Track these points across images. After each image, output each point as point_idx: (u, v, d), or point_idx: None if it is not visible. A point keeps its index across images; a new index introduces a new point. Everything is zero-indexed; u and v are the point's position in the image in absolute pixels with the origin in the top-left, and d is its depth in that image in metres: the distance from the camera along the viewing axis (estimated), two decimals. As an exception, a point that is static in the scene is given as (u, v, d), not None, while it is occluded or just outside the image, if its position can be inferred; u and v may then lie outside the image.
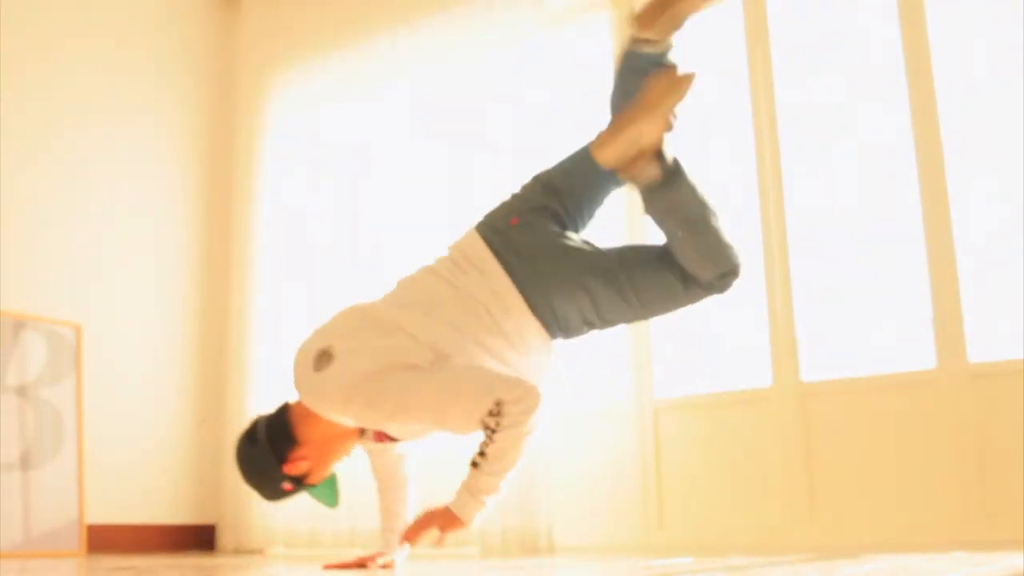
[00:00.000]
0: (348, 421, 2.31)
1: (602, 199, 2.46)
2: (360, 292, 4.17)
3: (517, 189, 2.44)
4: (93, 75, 4.69)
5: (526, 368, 2.32)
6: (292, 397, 2.38)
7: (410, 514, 2.66)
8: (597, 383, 3.98)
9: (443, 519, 2.21)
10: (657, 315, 2.41)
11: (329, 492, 2.45)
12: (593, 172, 2.38)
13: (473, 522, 2.21)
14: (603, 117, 2.40)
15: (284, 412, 2.36)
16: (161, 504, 4.64)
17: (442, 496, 2.28)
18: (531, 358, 2.33)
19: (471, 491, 2.19)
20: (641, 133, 2.17)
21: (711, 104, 3.95)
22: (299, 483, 2.36)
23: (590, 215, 2.46)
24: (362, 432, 2.41)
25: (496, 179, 3.94)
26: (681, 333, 3.93)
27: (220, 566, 2.98)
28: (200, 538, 4.75)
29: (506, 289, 2.27)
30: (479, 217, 2.44)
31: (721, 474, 3.72)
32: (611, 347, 3.93)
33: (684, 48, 2.43)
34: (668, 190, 2.23)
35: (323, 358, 2.24)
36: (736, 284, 2.33)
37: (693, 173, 2.26)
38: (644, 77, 2.22)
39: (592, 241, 2.37)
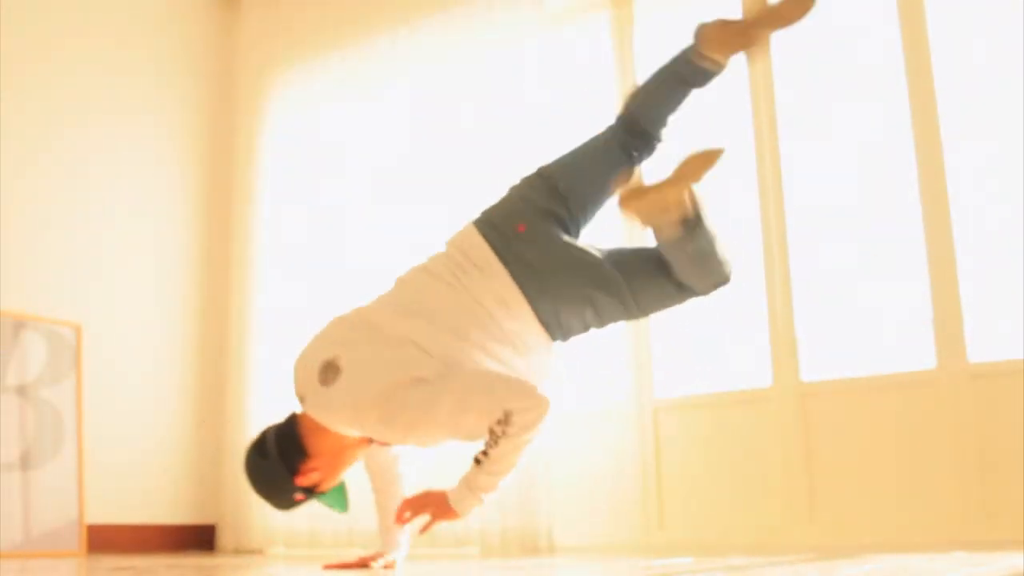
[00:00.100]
0: (357, 433, 2.31)
1: (604, 201, 2.47)
2: (360, 292, 4.17)
3: (517, 181, 2.43)
4: (93, 75, 4.68)
5: (527, 369, 2.32)
6: (298, 408, 2.36)
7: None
8: (597, 383, 3.98)
9: (438, 507, 2.25)
10: (650, 315, 2.48)
11: (339, 498, 2.45)
12: (597, 175, 2.39)
13: (466, 515, 2.26)
14: (603, 117, 2.40)
15: (293, 423, 2.34)
16: (161, 504, 4.64)
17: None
18: (532, 359, 2.33)
19: (470, 486, 2.22)
20: (667, 199, 2.21)
21: (711, 104, 3.94)
22: (310, 492, 2.37)
23: (592, 216, 2.46)
24: (371, 441, 2.40)
25: (496, 179, 3.93)
26: (681, 333, 3.93)
27: (220, 566, 2.98)
28: (200, 538, 4.74)
29: (512, 296, 2.27)
30: (477, 213, 2.43)
31: (721, 474, 3.72)
32: (611, 347, 3.93)
33: (682, 47, 2.44)
34: (687, 242, 2.26)
35: (329, 370, 2.22)
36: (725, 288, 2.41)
37: (709, 210, 2.28)
38: (686, 87, 2.42)
39: (594, 246, 2.37)
